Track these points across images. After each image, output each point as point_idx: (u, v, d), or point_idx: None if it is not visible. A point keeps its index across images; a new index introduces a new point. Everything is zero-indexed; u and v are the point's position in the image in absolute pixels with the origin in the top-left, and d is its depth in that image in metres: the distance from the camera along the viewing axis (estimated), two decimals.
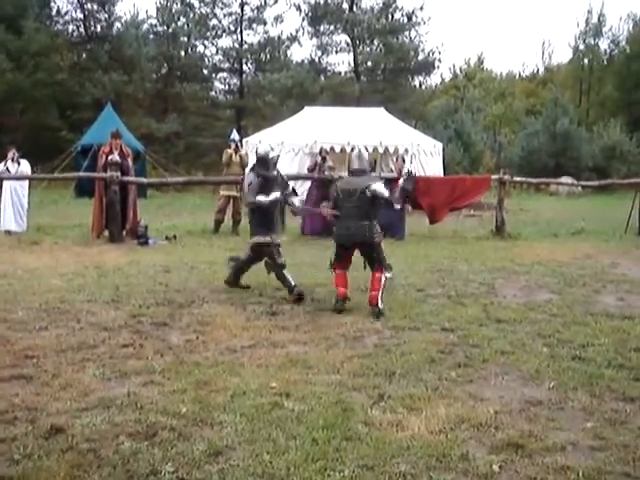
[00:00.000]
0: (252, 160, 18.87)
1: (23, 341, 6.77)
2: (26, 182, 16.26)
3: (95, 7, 39.62)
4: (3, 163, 15.73)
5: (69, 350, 6.50)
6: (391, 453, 4.37)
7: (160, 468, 4.13)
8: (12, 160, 15.59)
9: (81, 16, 39.85)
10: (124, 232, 14.50)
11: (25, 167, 15.89)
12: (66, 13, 40.29)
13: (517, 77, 60.51)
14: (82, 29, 40.20)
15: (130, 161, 15.08)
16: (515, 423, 4.91)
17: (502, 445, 4.53)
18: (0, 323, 7.45)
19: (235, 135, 17.22)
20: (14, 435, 4.58)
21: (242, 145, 17.15)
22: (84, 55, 40.54)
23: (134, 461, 4.23)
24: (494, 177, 16.85)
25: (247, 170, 9.86)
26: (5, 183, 15.68)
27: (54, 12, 39.93)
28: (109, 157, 14.44)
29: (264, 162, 9.31)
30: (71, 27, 40.86)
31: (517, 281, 10.42)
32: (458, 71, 57.59)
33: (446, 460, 4.30)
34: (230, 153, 16.28)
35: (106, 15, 39.74)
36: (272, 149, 9.85)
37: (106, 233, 14.48)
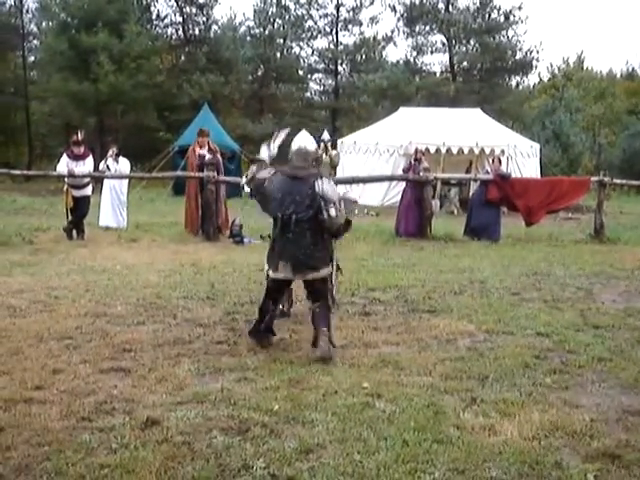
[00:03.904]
0: (342, 161, 19.17)
1: (121, 335, 6.96)
2: (125, 180, 16.76)
3: (194, 10, 40.64)
4: (104, 161, 16.28)
5: (165, 345, 6.65)
6: (482, 458, 4.30)
7: (252, 463, 4.18)
8: (112, 158, 16.10)
9: (180, 19, 40.92)
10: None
11: (124, 165, 16.38)
12: (166, 17, 41.57)
13: (618, 76, 58.71)
14: (181, 32, 41.28)
15: (219, 156, 15.38)
16: (612, 432, 4.76)
17: (597, 454, 4.40)
18: (100, 317, 7.68)
19: (325, 135, 17.35)
20: (112, 425, 4.72)
21: (331, 146, 17.32)
22: (182, 57, 41.62)
23: (226, 455, 4.29)
24: (593, 179, 16.46)
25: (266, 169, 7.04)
26: (106, 180, 16.20)
27: (154, 16, 41.22)
28: (197, 153, 14.83)
29: None
30: (170, 30, 42.09)
31: (616, 286, 10.11)
32: (557, 71, 56.29)
33: (539, 467, 4.21)
34: (320, 153, 16.44)
35: (204, 18, 40.72)
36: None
37: (201, 231, 14.77)
